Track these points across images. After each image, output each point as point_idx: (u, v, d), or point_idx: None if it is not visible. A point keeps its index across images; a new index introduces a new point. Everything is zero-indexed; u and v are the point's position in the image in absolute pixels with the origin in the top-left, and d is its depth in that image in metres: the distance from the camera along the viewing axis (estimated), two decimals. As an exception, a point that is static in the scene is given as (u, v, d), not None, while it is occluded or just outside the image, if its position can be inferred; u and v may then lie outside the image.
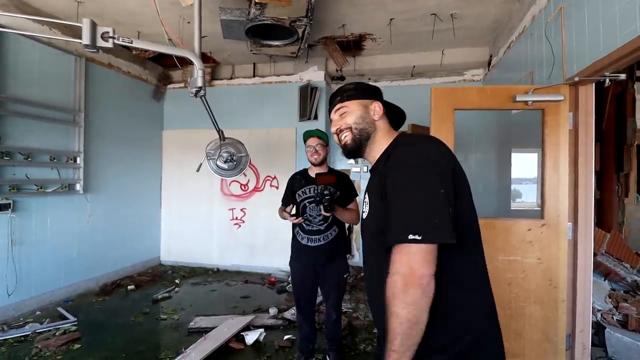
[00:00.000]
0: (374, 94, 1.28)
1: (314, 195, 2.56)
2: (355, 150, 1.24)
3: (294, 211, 2.52)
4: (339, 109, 1.27)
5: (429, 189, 0.98)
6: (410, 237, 0.93)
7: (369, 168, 1.30)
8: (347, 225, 3.09)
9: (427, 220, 0.95)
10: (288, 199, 2.71)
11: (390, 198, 1.02)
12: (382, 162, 1.15)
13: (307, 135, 2.65)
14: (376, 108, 1.24)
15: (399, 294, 0.92)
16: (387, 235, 0.99)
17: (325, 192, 2.39)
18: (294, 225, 2.70)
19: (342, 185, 2.61)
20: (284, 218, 2.62)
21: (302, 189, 2.64)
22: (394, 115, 1.31)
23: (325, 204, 2.37)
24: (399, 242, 0.95)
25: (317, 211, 2.58)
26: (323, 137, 2.63)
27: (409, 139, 1.19)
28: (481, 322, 1.06)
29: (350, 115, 1.24)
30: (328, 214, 2.44)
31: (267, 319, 3.64)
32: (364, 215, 1.21)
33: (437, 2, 3.70)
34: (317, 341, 2.87)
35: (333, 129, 1.28)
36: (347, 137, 1.24)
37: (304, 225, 2.63)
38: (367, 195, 1.21)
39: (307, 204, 2.62)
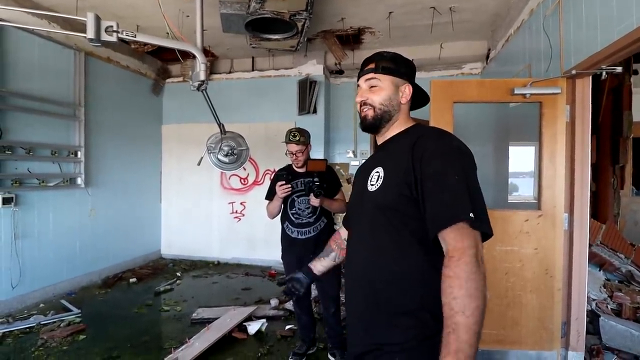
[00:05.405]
0: (409, 73, 1.23)
1: (302, 189, 2.62)
2: (372, 128, 1.22)
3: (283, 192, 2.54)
4: (370, 79, 1.19)
5: (475, 182, 1.04)
6: (473, 215, 0.95)
7: (379, 144, 1.27)
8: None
9: (482, 209, 1.00)
10: (273, 194, 2.67)
11: (439, 180, 1.01)
12: (407, 142, 1.12)
13: (287, 140, 2.65)
14: (406, 91, 1.20)
15: (473, 275, 0.86)
16: (441, 213, 0.98)
17: (315, 180, 2.50)
18: (283, 220, 2.75)
19: (328, 176, 2.68)
20: (273, 211, 2.67)
21: (290, 184, 2.63)
22: (418, 97, 1.27)
23: (315, 189, 2.47)
24: (463, 219, 0.94)
25: (305, 204, 2.65)
26: (302, 141, 2.63)
27: (440, 130, 1.21)
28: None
29: (379, 93, 1.18)
30: (317, 201, 2.49)
31: (268, 310, 3.70)
32: (372, 188, 1.14)
33: (436, -4, 3.72)
34: (317, 330, 2.93)
35: (358, 99, 1.21)
36: (368, 112, 1.20)
37: (293, 218, 2.68)
38: (379, 168, 1.16)
39: (296, 198, 2.68)
